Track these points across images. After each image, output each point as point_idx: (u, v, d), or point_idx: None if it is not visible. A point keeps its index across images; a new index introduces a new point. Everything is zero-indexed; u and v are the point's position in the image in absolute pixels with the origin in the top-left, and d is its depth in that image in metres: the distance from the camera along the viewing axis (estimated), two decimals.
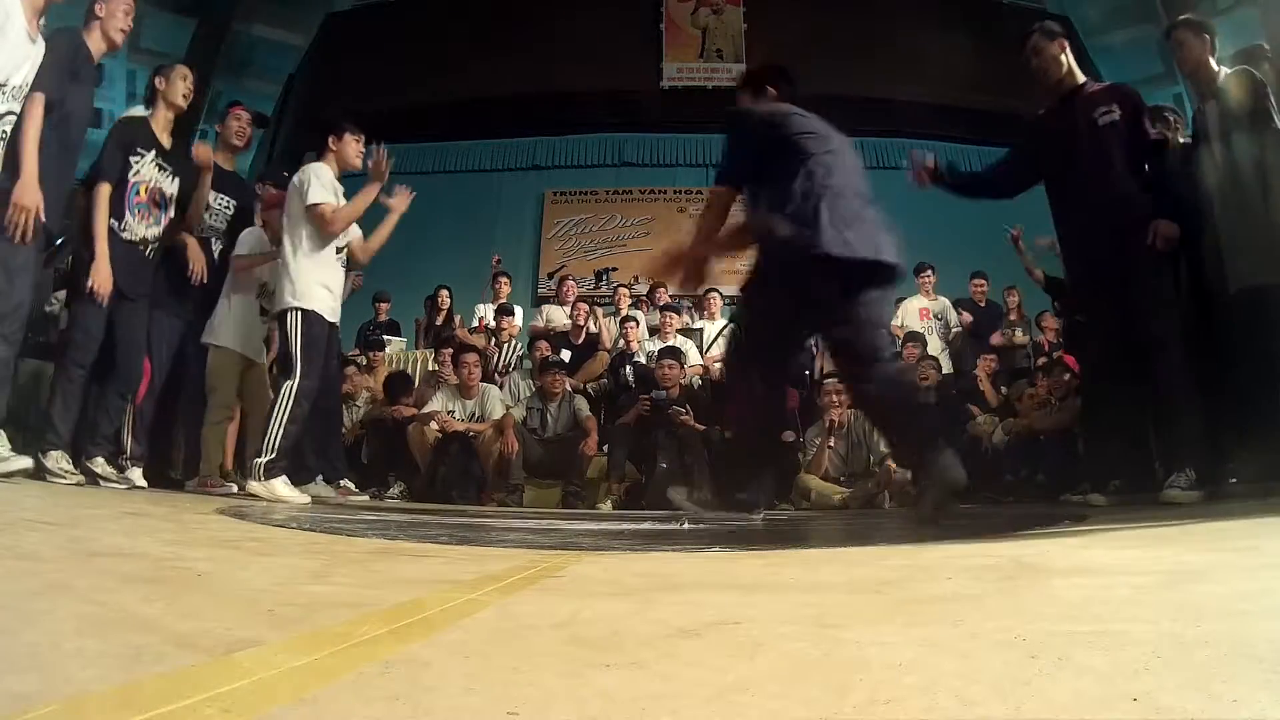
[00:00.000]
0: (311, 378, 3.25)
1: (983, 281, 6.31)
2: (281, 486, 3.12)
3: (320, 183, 3.33)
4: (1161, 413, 2.93)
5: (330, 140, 3.53)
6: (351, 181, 3.55)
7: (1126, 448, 3.07)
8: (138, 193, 3.23)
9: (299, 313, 3.26)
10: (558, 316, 6.30)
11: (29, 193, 2.55)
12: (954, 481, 2.20)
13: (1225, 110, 2.92)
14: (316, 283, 3.31)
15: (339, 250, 3.47)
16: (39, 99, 2.63)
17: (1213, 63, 3.01)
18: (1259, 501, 2.61)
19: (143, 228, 3.25)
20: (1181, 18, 3.26)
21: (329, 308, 3.36)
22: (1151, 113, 3.05)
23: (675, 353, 5.05)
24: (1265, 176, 2.79)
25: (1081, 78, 3.12)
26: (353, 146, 3.54)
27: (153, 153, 3.27)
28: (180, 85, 3.38)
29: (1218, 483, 2.95)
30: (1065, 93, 3.09)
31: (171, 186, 3.36)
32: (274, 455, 3.12)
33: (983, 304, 6.32)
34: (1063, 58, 3.08)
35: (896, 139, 9.03)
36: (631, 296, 6.68)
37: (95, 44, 2.96)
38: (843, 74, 8.74)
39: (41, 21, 2.72)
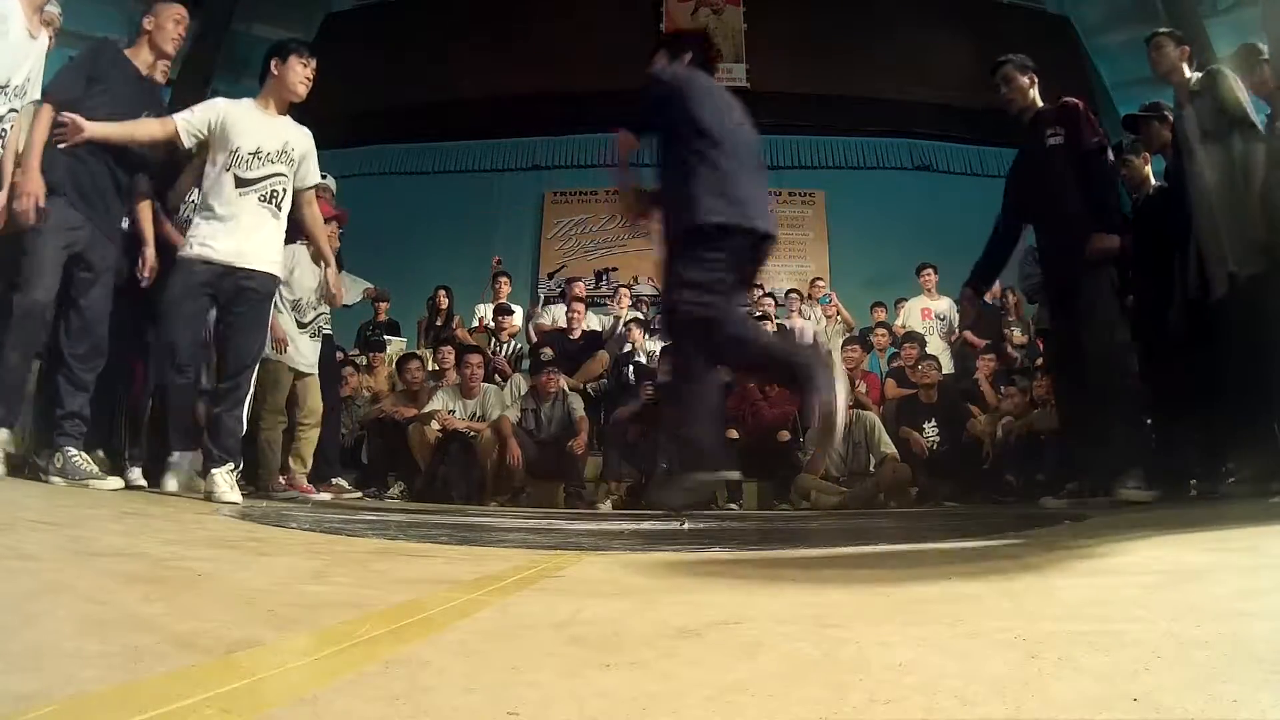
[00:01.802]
0: (179, 353, 2.81)
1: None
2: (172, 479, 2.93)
3: (195, 108, 2.93)
4: (1097, 422, 3.07)
5: (273, 64, 2.98)
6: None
7: (1085, 449, 3.25)
8: None
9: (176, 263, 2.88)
10: (563, 317, 6.33)
11: (32, 181, 2.60)
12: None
13: (1200, 111, 2.98)
14: (195, 227, 2.86)
15: (243, 185, 2.89)
16: (44, 109, 2.67)
17: (1185, 70, 3.12)
18: (1258, 503, 2.61)
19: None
20: (1162, 29, 3.40)
21: (207, 247, 2.81)
22: (1091, 120, 3.17)
23: None
24: (1246, 171, 2.85)
25: (1040, 104, 3.31)
26: (297, 71, 2.97)
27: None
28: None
29: (1217, 482, 2.97)
30: (1028, 121, 3.29)
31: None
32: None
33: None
34: (1030, 91, 3.30)
35: (897, 139, 9.03)
36: (632, 297, 6.68)
37: (143, 57, 2.97)
38: (843, 74, 8.73)
39: (55, 21, 2.78)
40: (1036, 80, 3.33)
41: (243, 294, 2.83)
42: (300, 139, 3.04)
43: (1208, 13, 7.74)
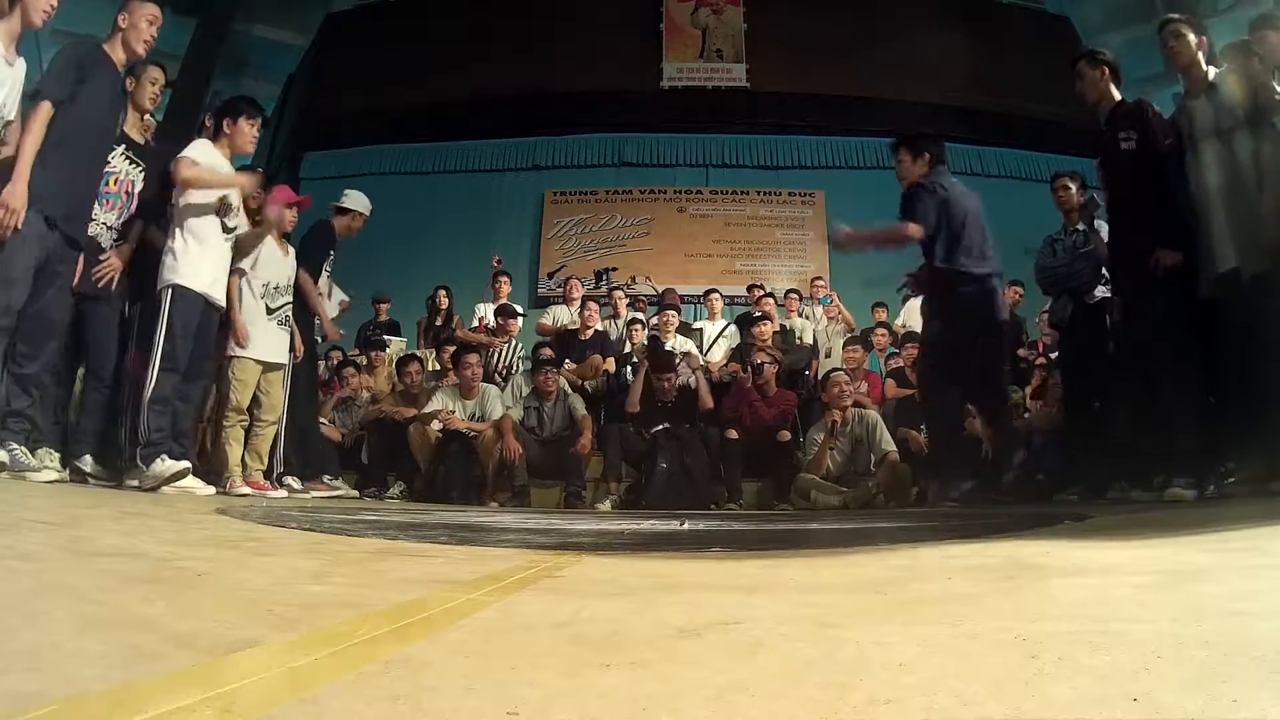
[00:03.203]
0: (177, 360, 3.13)
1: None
2: (160, 465, 3.01)
3: (195, 150, 3.30)
4: (1160, 426, 3.06)
5: (225, 123, 3.43)
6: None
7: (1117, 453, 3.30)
8: (107, 183, 3.23)
9: (170, 290, 3.15)
10: (564, 316, 6.32)
11: (17, 195, 2.63)
12: None
13: (1220, 105, 2.94)
14: (199, 261, 3.23)
15: (228, 231, 3.38)
16: (44, 107, 2.71)
17: (1202, 60, 3.05)
18: (1259, 502, 2.61)
19: (109, 216, 3.27)
20: (1177, 15, 3.31)
21: (206, 284, 3.26)
22: (1161, 119, 3.14)
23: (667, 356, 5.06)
24: (1260, 168, 2.81)
25: (1117, 98, 3.25)
26: (245, 132, 3.44)
27: (122, 146, 3.28)
28: (148, 88, 3.42)
29: (1217, 482, 2.96)
30: (1103, 116, 3.25)
31: (140, 181, 3.38)
32: (143, 443, 3.04)
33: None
34: (1101, 83, 3.25)
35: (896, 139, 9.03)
36: (629, 297, 6.69)
37: (117, 54, 3.02)
38: (843, 74, 8.74)
39: (59, 33, 2.82)
40: (1109, 71, 3.26)
41: (213, 319, 3.38)
42: None
43: (1208, 12, 7.73)
